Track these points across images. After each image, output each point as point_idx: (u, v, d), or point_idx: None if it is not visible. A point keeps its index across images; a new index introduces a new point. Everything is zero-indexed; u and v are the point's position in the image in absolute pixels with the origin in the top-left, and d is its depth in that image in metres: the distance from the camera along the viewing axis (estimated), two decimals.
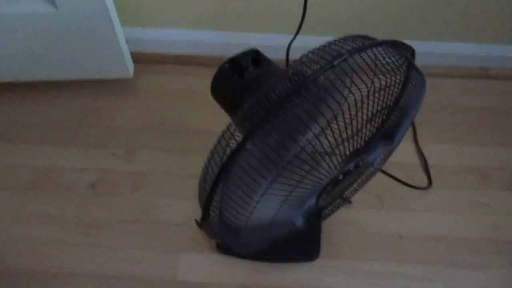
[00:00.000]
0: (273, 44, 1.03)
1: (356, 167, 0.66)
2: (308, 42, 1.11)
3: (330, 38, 1.12)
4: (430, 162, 1.05)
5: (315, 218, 0.84)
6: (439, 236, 0.96)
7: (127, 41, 1.10)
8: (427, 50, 1.15)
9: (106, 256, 0.93)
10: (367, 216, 0.99)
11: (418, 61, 1.16)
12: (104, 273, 0.91)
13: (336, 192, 0.74)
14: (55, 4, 0.93)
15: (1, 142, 1.08)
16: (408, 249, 0.95)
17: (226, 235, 0.70)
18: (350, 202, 0.96)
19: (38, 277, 0.91)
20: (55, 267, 0.92)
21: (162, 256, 0.93)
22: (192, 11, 1.12)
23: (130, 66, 1.14)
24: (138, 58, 1.16)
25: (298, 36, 0.98)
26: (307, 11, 0.92)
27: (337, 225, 0.96)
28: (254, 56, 0.66)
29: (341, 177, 0.65)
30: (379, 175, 1.00)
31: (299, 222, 0.77)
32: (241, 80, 0.64)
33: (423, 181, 1.03)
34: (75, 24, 0.98)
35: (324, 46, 0.55)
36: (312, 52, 0.54)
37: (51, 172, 1.04)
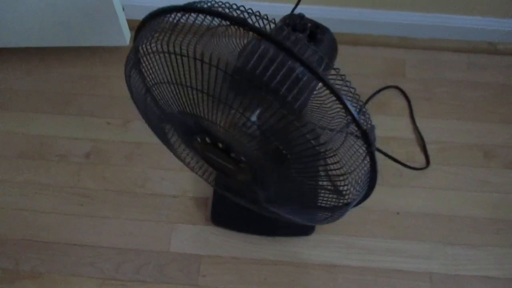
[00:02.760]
0: (274, 13, 0.99)
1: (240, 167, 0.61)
2: (310, 12, 1.08)
3: (333, 9, 1.10)
4: (432, 138, 1.02)
5: None
6: (437, 214, 0.94)
7: (123, 8, 1.07)
8: (433, 23, 1.11)
9: (100, 226, 0.92)
10: None
11: (424, 34, 1.13)
12: (97, 244, 0.91)
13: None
14: None
15: None
16: (405, 226, 0.93)
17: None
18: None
19: (30, 246, 0.91)
20: (48, 236, 0.91)
21: (155, 228, 0.92)
22: None
23: (127, 33, 1.11)
24: (135, 26, 1.13)
25: (300, 6, 0.94)
26: None
27: None
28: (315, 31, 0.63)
29: (220, 145, 0.60)
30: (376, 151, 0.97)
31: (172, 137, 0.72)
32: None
33: (423, 160, 1.01)
34: None
35: None
36: None
37: (44, 140, 1.02)
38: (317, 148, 0.52)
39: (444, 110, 1.07)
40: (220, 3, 0.51)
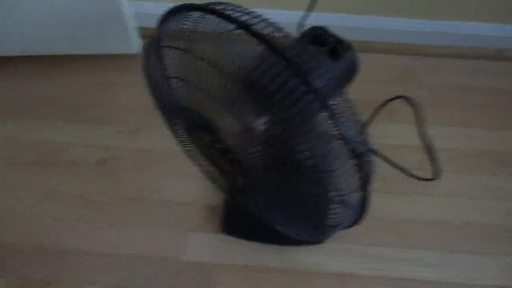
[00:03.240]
0: (284, 21, 1.00)
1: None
2: (320, 20, 1.09)
3: (344, 16, 1.10)
4: (442, 145, 1.02)
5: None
6: (449, 222, 0.95)
7: (133, 16, 1.07)
8: (439, 29, 1.11)
9: (111, 234, 0.93)
10: (375, 200, 0.97)
11: (431, 41, 1.14)
12: (110, 252, 0.91)
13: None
14: None
15: (8, 117, 1.07)
16: (416, 234, 0.93)
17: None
18: None
19: (43, 254, 0.91)
20: (61, 244, 0.92)
21: (167, 236, 0.93)
22: None
23: (137, 41, 1.12)
24: (146, 33, 1.14)
25: (312, 14, 0.95)
26: None
27: None
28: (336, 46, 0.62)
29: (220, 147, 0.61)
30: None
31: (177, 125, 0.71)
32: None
33: (433, 169, 1.01)
34: None
35: None
36: None
37: (57, 147, 1.03)
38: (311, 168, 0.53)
39: (453, 117, 1.07)
40: (240, 9, 0.51)
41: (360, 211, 0.59)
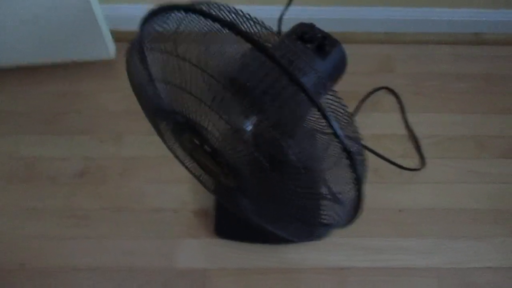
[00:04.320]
0: (264, 16, 0.98)
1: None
2: (299, 13, 1.07)
3: (323, 9, 1.09)
4: (426, 133, 1.03)
5: None
6: (438, 208, 0.95)
7: (106, 20, 1.04)
8: (418, 17, 1.11)
9: (100, 248, 0.90)
10: (366, 191, 0.96)
11: (410, 28, 1.14)
12: (99, 266, 0.88)
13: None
14: None
15: None
16: (409, 223, 0.93)
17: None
18: None
19: (28, 274, 0.87)
20: (46, 262, 0.88)
21: (158, 245, 0.90)
22: None
23: (111, 46, 1.08)
24: (121, 37, 1.10)
25: (290, 8, 0.93)
26: None
27: None
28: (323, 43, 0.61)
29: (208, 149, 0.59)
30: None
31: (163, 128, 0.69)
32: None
33: (419, 158, 1.01)
34: (48, 4, 0.92)
35: None
36: None
37: (34, 162, 0.98)
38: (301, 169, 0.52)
39: (434, 104, 1.08)
40: (224, 7, 0.49)
41: (354, 210, 0.58)
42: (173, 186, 0.95)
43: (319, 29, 0.62)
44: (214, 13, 0.46)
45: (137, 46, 0.54)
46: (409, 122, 1.04)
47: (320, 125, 0.48)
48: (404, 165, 0.98)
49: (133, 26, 1.15)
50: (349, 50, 1.14)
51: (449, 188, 0.97)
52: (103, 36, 1.03)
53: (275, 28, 0.94)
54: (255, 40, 0.45)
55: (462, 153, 1.02)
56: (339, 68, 0.67)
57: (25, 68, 1.07)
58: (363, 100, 1.07)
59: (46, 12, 0.95)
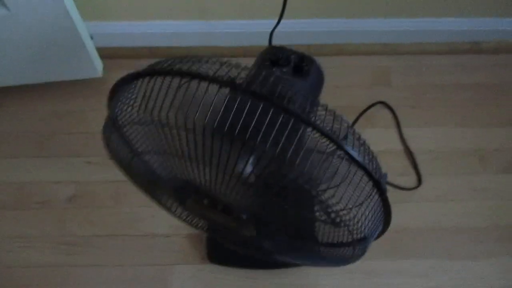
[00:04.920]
0: (256, 30, 0.96)
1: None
2: (292, 26, 1.04)
3: (317, 21, 1.06)
4: (423, 148, 1.00)
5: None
6: (439, 228, 0.93)
7: (92, 37, 1.01)
8: (416, 27, 1.08)
9: (92, 276, 0.88)
10: None
11: (407, 39, 1.11)
12: None
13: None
14: (7, 7, 0.84)
15: None
16: (407, 243, 0.91)
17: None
18: None
19: None
20: None
21: (152, 272, 0.88)
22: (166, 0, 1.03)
23: (98, 64, 1.05)
24: (108, 54, 1.08)
25: (282, 21, 0.90)
26: None
27: None
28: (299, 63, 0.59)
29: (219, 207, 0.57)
30: None
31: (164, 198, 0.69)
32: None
33: (415, 175, 0.98)
34: (31, 25, 0.89)
35: None
36: None
37: (23, 187, 0.96)
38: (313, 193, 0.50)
39: (432, 117, 1.05)
40: (188, 60, 0.47)
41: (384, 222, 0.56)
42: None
43: (290, 50, 0.59)
44: (178, 68, 0.44)
45: (111, 124, 0.51)
46: (406, 137, 1.01)
47: (319, 143, 0.46)
48: (402, 183, 0.95)
49: (120, 42, 1.13)
50: (345, 62, 1.13)
51: (448, 206, 0.95)
52: (89, 55, 1.01)
53: (266, 43, 0.91)
54: (228, 82, 0.42)
55: (462, 168, 0.99)
56: (320, 84, 0.65)
57: (13, 89, 1.05)
58: (358, 116, 1.04)
59: (29, 34, 0.92)
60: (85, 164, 0.99)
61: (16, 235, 0.91)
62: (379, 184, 0.49)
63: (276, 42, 0.94)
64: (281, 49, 0.61)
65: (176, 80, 0.43)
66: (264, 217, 0.58)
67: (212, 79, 0.42)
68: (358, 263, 0.88)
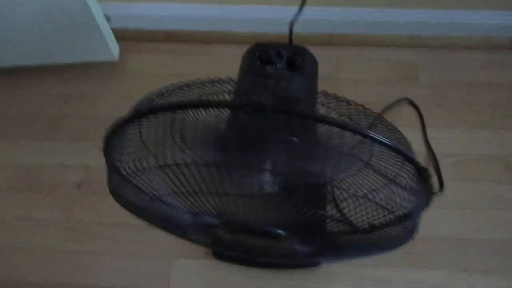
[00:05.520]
0: (276, 17, 0.91)
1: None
2: (313, 14, 0.99)
3: (337, 10, 1.00)
4: (447, 151, 0.94)
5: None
6: (455, 237, 0.87)
7: (109, 19, 0.98)
8: (446, 20, 1.01)
9: (95, 265, 0.87)
10: None
11: (437, 32, 1.03)
12: (92, 283, 0.86)
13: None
14: None
15: None
16: (422, 252, 0.86)
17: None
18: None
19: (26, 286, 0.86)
20: (40, 277, 0.86)
21: (155, 264, 0.87)
22: None
23: (114, 47, 1.03)
24: (124, 36, 1.05)
25: (305, 9, 0.85)
26: None
27: None
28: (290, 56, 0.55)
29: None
30: None
31: (189, 232, 0.67)
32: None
33: (437, 180, 0.93)
34: (46, 5, 0.87)
35: None
36: None
37: (33, 170, 0.96)
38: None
39: (459, 118, 0.98)
40: (170, 90, 0.43)
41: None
42: None
43: (277, 44, 0.55)
44: (169, 103, 0.41)
45: (118, 177, 0.49)
46: (430, 138, 0.96)
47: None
48: None
49: (137, 24, 1.10)
50: (369, 54, 1.07)
51: (468, 215, 0.89)
52: (104, 37, 0.98)
53: (286, 31, 0.86)
54: (224, 103, 0.39)
55: (486, 175, 0.93)
56: (316, 71, 0.63)
57: (25, 69, 1.04)
58: (381, 112, 0.98)
59: (44, 14, 0.90)
60: (96, 149, 0.97)
61: (22, 218, 0.91)
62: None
63: (296, 30, 0.90)
64: (268, 46, 0.57)
65: (170, 115, 0.40)
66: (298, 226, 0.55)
67: (210, 104, 0.39)
68: (370, 270, 0.85)
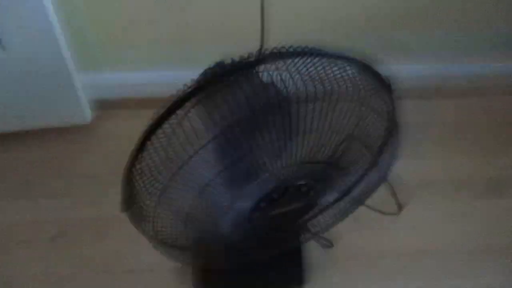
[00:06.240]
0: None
1: (301, 193, 0.63)
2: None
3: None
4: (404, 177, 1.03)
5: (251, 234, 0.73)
6: (427, 250, 0.95)
7: (84, 86, 1.06)
8: None
9: None
10: (350, 239, 0.94)
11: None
12: None
13: (282, 217, 0.67)
14: (3, 46, 0.88)
15: None
16: (396, 267, 0.92)
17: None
18: (331, 245, 0.91)
19: None
20: None
21: None
22: (150, 52, 1.10)
23: (87, 111, 1.09)
24: (97, 104, 1.12)
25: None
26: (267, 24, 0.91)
27: (319, 249, 0.91)
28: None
29: (275, 195, 0.61)
30: None
31: (225, 226, 0.70)
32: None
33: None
34: (26, 68, 0.93)
35: None
36: None
37: (5, 228, 0.95)
38: None
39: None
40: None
41: None
42: (148, 245, 0.92)
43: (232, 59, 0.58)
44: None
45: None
46: None
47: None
48: (383, 209, 0.97)
49: (111, 92, 1.17)
50: None
51: (432, 230, 0.97)
52: (80, 102, 1.05)
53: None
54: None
55: (442, 195, 1.03)
56: None
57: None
58: None
59: (23, 78, 0.96)
60: (71, 204, 0.99)
61: None
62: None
63: None
64: (222, 61, 0.61)
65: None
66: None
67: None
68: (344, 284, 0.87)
